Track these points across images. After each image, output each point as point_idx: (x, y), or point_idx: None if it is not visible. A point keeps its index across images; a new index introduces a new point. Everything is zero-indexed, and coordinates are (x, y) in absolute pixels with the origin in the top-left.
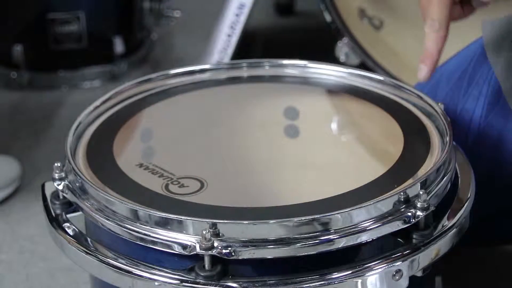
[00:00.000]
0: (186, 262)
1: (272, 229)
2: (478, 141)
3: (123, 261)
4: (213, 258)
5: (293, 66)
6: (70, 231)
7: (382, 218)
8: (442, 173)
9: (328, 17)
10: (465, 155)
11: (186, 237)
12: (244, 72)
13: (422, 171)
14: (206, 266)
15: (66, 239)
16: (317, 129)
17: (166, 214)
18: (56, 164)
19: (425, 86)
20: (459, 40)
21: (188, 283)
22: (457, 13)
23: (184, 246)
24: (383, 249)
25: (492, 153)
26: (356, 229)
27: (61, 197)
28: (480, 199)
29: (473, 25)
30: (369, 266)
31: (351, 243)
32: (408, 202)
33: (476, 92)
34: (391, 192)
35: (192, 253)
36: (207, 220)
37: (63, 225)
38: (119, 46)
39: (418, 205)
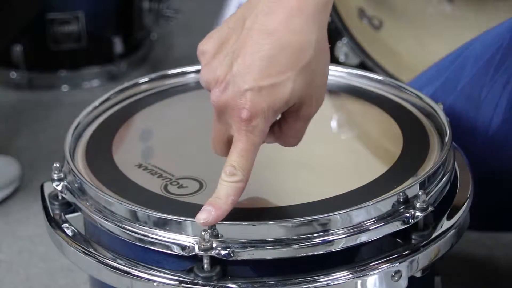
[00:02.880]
0: (185, 263)
1: (271, 229)
2: (503, 128)
3: (122, 262)
4: (212, 259)
5: None
6: (69, 232)
7: (381, 219)
8: (442, 174)
9: None
10: (463, 154)
11: (185, 238)
12: None
13: (421, 172)
14: (205, 267)
15: (65, 240)
16: (317, 129)
17: (165, 215)
18: (55, 165)
19: (449, 67)
20: (456, 38)
21: (187, 284)
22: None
23: (183, 247)
24: (382, 249)
25: None
26: (355, 229)
27: (60, 197)
28: (501, 187)
29: (469, 24)
30: (368, 266)
31: (350, 243)
32: (407, 202)
33: (503, 80)
34: (390, 192)
35: (191, 254)
36: None
37: (62, 225)
38: (118, 46)
39: (417, 205)
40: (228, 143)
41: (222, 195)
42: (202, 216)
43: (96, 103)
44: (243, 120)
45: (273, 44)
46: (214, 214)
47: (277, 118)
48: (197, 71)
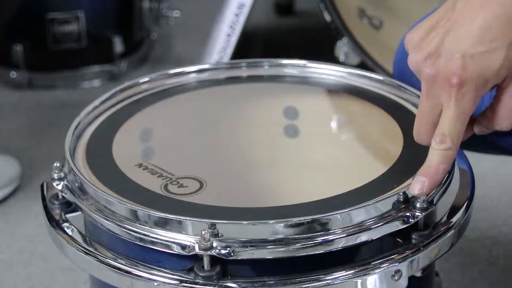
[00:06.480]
0: (185, 262)
1: (271, 229)
2: None
3: (122, 261)
4: (212, 258)
5: (292, 66)
6: (69, 231)
7: (382, 218)
8: None
9: (327, 17)
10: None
11: (185, 237)
12: (244, 72)
13: None
14: (205, 266)
15: (65, 239)
16: (317, 129)
17: (165, 214)
18: (55, 164)
19: None
20: None
21: (187, 283)
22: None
23: (183, 246)
24: (382, 249)
25: None
26: (356, 229)
27: (60, 197)
28: None
29: None
30: (368, 266)
31: (350, 243)
32: (408, 202)
33: None
34: (391, 192)
35: (191, 253)
36: (206, 220)
37: (62, 225)
38: (118, 46)
39: (417, 205)
40: (434, 125)
41: (434, 163)
42: (417, 187)
43: (96, 103)
44: (454, 85)
45: (486, 15)
46: (427, 184)
47: (488, 92)
48: (197, 71)
